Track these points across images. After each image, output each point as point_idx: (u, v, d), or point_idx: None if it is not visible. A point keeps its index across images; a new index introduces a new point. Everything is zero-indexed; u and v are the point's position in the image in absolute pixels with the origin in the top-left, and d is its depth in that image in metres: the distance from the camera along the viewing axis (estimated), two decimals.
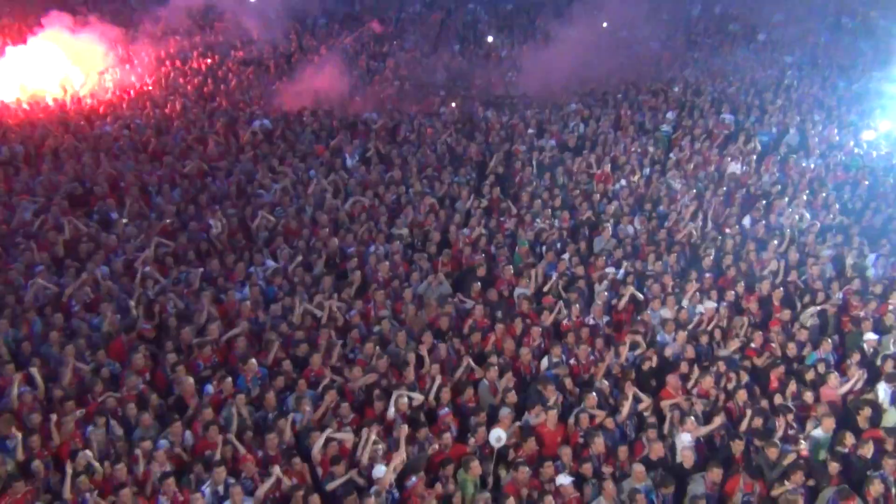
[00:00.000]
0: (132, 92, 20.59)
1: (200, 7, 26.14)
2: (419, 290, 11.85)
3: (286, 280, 11.85)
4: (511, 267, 12.33)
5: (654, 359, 10.32)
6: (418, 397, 9.39)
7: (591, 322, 11.15)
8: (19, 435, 8.34)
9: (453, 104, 20.43)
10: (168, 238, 12.74)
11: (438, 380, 9.59)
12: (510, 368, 10.01)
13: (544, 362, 10.36)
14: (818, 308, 11.39)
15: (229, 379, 9.51)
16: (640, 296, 11.71)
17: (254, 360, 9.83)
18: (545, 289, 11.93)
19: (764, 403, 9.53)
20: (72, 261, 11.93)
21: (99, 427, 8.65)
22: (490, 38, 28.40)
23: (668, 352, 10.59)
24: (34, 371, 9.33)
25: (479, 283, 11.85)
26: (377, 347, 10.19)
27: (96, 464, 8.11)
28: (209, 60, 23.79)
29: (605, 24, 26.87)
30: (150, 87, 21.21)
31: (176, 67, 22.64)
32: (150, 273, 11.70)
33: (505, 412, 9.18)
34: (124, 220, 13.24)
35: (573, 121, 18.99)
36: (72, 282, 11.26)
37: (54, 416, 8.63)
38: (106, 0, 27.80)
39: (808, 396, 9.62)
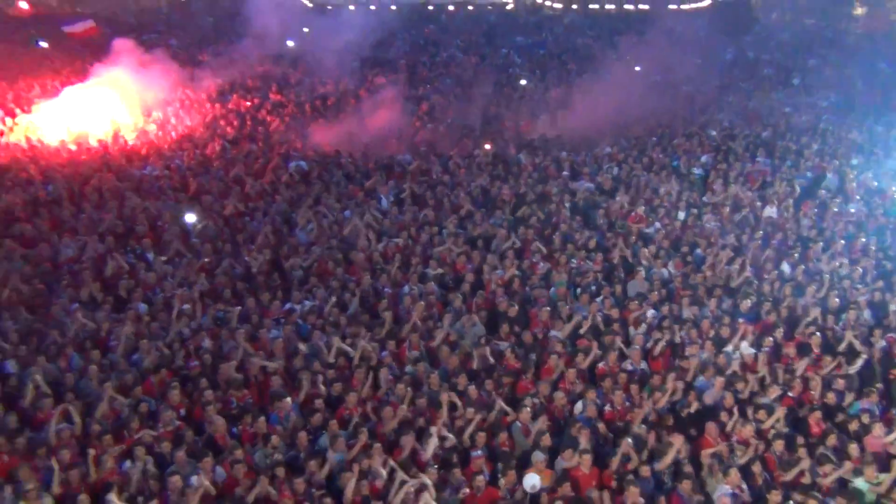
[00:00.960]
0: (174, 133, 21.12)
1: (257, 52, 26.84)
2: (453, 330, 11.82)
3: (320, 319, 11.92)
4: (547, 309, 12.28)
5: (695, 405, 10.14)
6: (452, 439, 9.32)
7: (629, 367, 11.01)
8: (57, 468, 8.41)
9: (486, 146, 20.62)
10: (206, 277, 12.93)
11: (476, 421, 9.51)
12: (544, 411, 9.90)
13: (578, 406, 10.22)
14: (864, 357, 11.13)
15: (262, 417, 9.55)
16: (678, 340, 11.56)
17: (287, 399, 9.88)
18: (581, 331, 11.84)
19: (802, 453, 9.28)
20: (111, 297, 12.19)
21: (138, 463, 8.72)
22: (523, 82, 28.74)
23: (708, 399, 10.39)
24: (71, 407, 9.45)
25: (511, 325, 11.81)
26: (409, 388, 10.17)
27: None
28: (248, 103, 24.39)
29: (637, 69, 27.07)
30: (192, 128, 21.77)
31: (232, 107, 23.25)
32: (188, 311, 11.86)
33: (539, 456, 9.06)
34: (163, 259, 13.47)
35: (607, 163, 19.03)
36: (108, 318, 11.47)
37: (92, 451, 8.71)
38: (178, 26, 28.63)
39: (854, 449, 9.34)
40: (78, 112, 21.63)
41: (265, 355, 10.87)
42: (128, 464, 8.73)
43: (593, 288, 13.12)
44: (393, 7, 39.41)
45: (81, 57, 27.13)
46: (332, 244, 14.25)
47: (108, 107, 22.05)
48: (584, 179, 17.92)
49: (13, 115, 21.87)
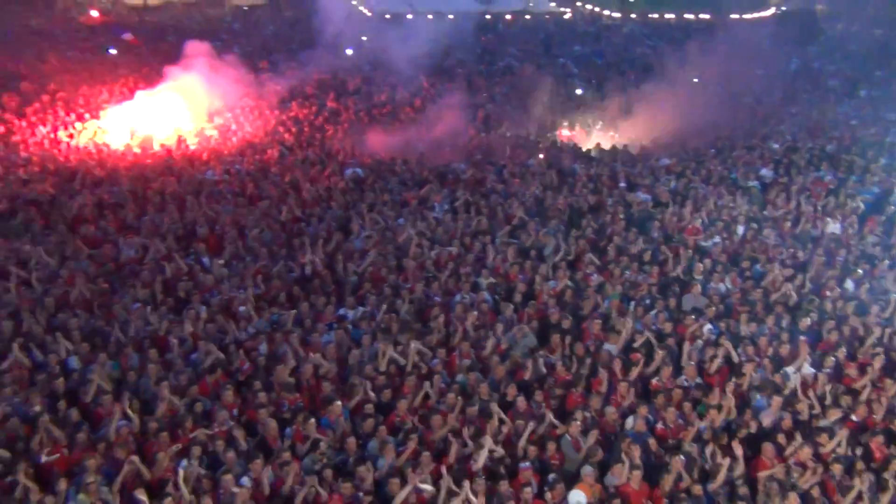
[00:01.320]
0: (234, 139, 21.60)
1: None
2: (504, 341, 11.78)
3: (373, 325, 12.02)
4: (598, 321, 12.14)
5: (752, 424, 9.88)
6: (500, 451, 9.28)
7: (683, 383, 10.80)
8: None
9: (540, 156, 20.54)
10: (262, 280, 13.17)
11: (526, 433, 9.45)
12: (595, 425, 9.78)
13: (630, 421, 10.08)
14: None
15: (313, 420, 9.67)
16: (735, 357, 11.30)
17: (338, 403, 9.99)
18: (634, 345, 11.67)
19: (862, 478, 8.97)
20: (170, 298, 12.52)
21: (193, 461, 8.92)
22: (580, 91, 28.55)
23: (766, 420, 10.12)
24: (128, 405, 9.71)
25: (562, 337, 11.71)
26: (459, 398, 10.17)
27: None
28: (306, 110, 24.80)
29: (697, 79, 26.62)
30: (253, 134, 22.25)
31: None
32: (246, 313, 12.09)
33: (587, 470, 8.97)
34: (221, 262, 13.76)
35: (665, 175, 18.76)
36: (167, 318, 11.79)
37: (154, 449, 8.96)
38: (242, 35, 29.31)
39: None
40: (144, 117, 22.31)
41: (317, 360, 10.98)
42: (184, 462, 8.93)
43: (647, 301, 12.93)
44: (451, 16, 39.62)
45: (149, 63, 27.98)
46: (386, 251, 14.35)
47: (174, 112, 22.68)
48: (641, 191, 17.69)
49: (83, 120, 22.65)
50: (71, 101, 24.20)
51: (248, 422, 9.93)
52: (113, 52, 31.76)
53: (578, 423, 9.68)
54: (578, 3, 47.31)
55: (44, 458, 8.95)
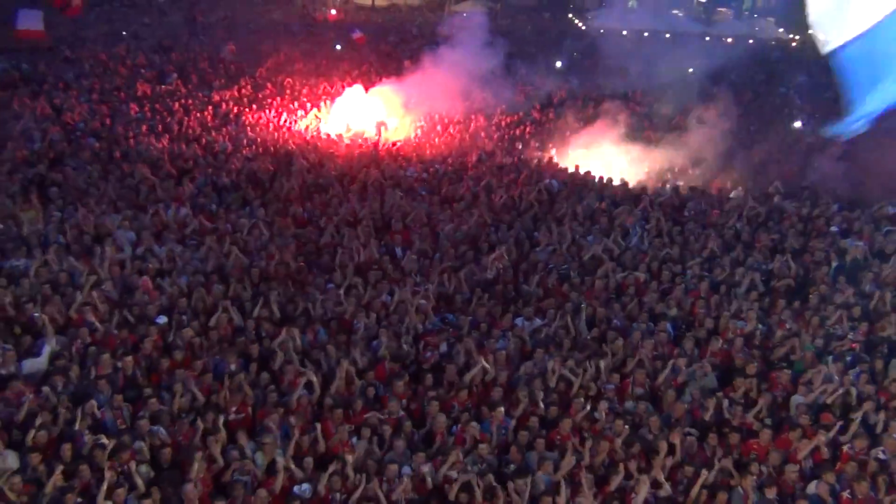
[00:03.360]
0: (437, 140, 22.37)
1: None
2: (682, 375, 11.27)
3: (547, 339, 11.95)
4: (788, 371, 11.28)
5: None
6: (667, 489, 8.90)
7: (881, 455, 9.76)
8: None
9: (740, 188, 19.38)
10: (446, 279, 13.53)
11: (701, 478, 9.01)
12: (773, 482, 9.10)
13: (812, 485, 9.26)
14: None
15: (475, 423, 9.78)
16: None
17: (502, 409, 10.04)
18: (827, 401, 10.72)
19: None
20: (360, 284, 13.21)
21: (363, 440, 9.37)
22: (798, 124, 26.66)
23: None
24: (313, 378, 10.36)
25: (747, 381, 10.98)
26: (626, 426, 9.86)
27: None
28: (508, 119, 25.16)
29: None
30: (453, 136, 22.93)
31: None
32: (425, 308, 12.50)
33: None
34: (413, 256, 14.31)
35: (887, 225, 16.99)
36: (353, 302, 12.44)
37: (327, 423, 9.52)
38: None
39: None
40: (357, 111, 23.74)
41: (490, 365, 11.10)
42: (355, 440, 9.40)
43: (849, 359, 11.82)
44: (667, 35, 38.56)
45: (369, 61, 29.70)
46: (570, 267, 14.22)
47: (384, 109, 23.94)
48: (855, 239, 16.16)
49: (304, 108, 24.50)
50: (296, 90, 26.27)
51: (413, 414, 10.26)
52: (339, 48, 34.04)
53: (754, 476, 9.06)
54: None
55: (231, 416, 9.75)
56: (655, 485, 8.95)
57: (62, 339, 10.81)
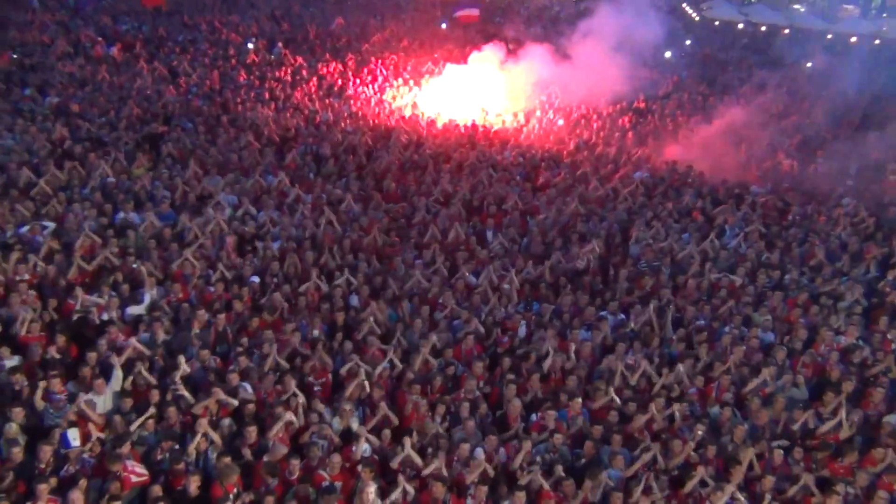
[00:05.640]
0: (537, 126, 22.13)
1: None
2: (770, 385, 10.85)
3: (632, 335, 11.74)
4: (881, 390, 10.70)
5: None
6: (743, 501, 8.62)
7: None
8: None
9: (848, 198, 18.36)
10: (533, 266, 13.45)
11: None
12: None
13: None
14: None
15: (553, 412, 9.72)
16: None
17: (579, 400, 9.95)
18: None
19: None
20: (448, 263, 13.30)
21: (437, 418, 9.49)
22: None
23: None
24: (392, 352, 10.54)
25: (838, 396, 10.49)
26: (705, 433, 9.59)
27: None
28: (610, 108, 24.63)
29: None
30: (553, 122, 22.64)
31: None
32: (509, 293, 12.47)
33: None
34: (500, 241, 14.28)
35: None
36: (437, 281, 12.54)
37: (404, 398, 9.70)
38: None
39: None
40: (458, 91, 23.73)
41: (570, 355, 11.00)
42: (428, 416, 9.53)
43: None
44: (785, 31, 36.80)
45: (473, 41, 29.57)
46: (662, 264, 13.89)
47: (484, 91, 23.84)
48: None
49: (407, 85, 24.70)
50: (399, 66, 26.50)
51: (488, 397, 10.28)
52: (444, 26, 34.05)
53: (839, 496, 8.65)
54: None
55: (315, 385, 10.03)
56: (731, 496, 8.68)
57: (161, 291, 11.39)
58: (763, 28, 38.29)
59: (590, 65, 25.03)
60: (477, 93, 23.80)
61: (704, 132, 22.13)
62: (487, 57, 25.52)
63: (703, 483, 8.78)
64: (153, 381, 9.38)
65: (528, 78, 24.66)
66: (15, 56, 22.07)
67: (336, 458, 8.51)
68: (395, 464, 8.63)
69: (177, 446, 8.50)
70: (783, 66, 30.57)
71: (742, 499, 8.58)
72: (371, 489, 7.95)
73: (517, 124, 22.28)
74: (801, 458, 9.48)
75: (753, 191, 18.03)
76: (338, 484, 8.28)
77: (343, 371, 10.15)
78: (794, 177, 19.86)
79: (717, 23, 37.38)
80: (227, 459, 8.22)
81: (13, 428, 8.26)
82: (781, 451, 9.45)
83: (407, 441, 8.75)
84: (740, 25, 37.98)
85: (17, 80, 20.29)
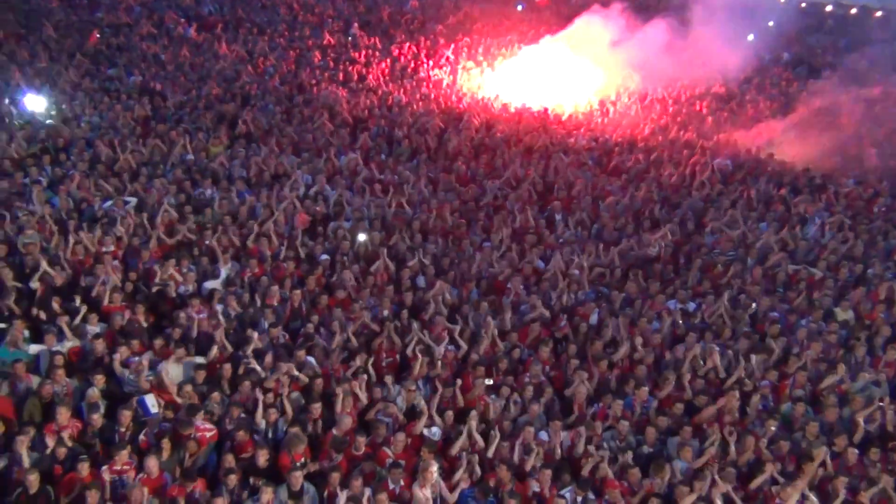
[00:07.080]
0: (611, 109, 21.69)
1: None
2: (847, 382, 10.45)
3: (703, 326, 11.48)
4: None
5: None
6: (814, 501, 8.36)
7: None
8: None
9: None
10: (602, 251, 13.28)
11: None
12: None
13: None
14: None
15: (619, 401, 9.62)
16: None
17: (645, 389, 9.82)
18: None
19: None
20: (516, 247, 13.23)
21: (501, 400, 9.51)
22: None
23: None
24: (457, 333, 10.57)
25: None
26: (777, 428, 9.34)
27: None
28: (688, 92, 23.94)
29: None
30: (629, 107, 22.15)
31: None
32: (577, 278, 12.34)
33: None
34: (573, 225, 14.13)
35: None
36: (506, 265, 12.48)
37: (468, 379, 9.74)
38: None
39: None
40: (530, 74, 23.44)
41: (636, 344, 10.82)
42: (493, 396, 9.54)
43: None
44: (878, 13, 34.94)
45: (548, 24, 29.10)
46: (737, 254, 13.50)
47: (559, 74, 23.47)
48: None
49: (479, 66, 24.56)
50: (473, 49, 26.34)
51: (553, 382, 10.23)
52: (519, 8, 33.64)
53: None
54: None
55: (383, 363, 10.17)
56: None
57: (236, 266, 11.70)
58: (853, 11, 36.47)
59: (664, 47, 24.37)
60: (552, 76, 23.45)
61: (788, 119, 21.31)
62: (595, 30, 24.89)
63: (773, 481, 8.56)
64: (230, 348, 9.70)
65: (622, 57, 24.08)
66: (99, 36, 22.84)
67: (400, 437, 8.62)
68: (455, 448, 8.67)
69: (243, 415, 8.75)
70: (874, 49, 29.03)
71: (813, 497, 8.33)
72: (433, 468, 8.03)
73: (590, 109, 21.88)
74: (877, 458, 9.12)
75: (845, 182, 17.25)
76: (402, 461, 8.39)
77: (409, 350, 10.25)
78: (880, 167, 18.96)
79: (803, 4, 35.78)
80: (297, 429, 8.43)
81: (95, 392, 8.67)
82: (856, 451, 9.12)
83: (471, 422, 8.78)
84: (829, 7, 36.30)
85: (103, 60, 21.04)
